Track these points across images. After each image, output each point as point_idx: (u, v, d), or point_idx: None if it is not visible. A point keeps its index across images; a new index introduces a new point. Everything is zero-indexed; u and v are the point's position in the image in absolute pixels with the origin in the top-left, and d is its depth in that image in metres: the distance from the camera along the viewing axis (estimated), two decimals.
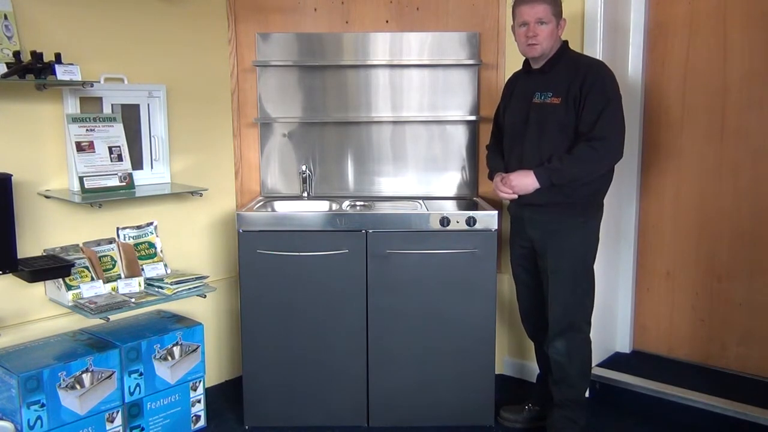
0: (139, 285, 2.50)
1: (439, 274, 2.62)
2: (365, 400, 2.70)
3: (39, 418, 2.17)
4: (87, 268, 2.45)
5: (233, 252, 3.03)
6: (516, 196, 2.42)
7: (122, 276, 2.56)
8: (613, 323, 3.17)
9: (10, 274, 2.23)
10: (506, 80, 2.71)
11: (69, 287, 2.35)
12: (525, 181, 2.36)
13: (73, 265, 2.34)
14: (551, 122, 2.36)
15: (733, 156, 2.85)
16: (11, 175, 2.18)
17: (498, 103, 2.70)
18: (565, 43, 2.44)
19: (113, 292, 2.43)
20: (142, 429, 2.49)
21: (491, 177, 2.59)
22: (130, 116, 2.64)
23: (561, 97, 2.34)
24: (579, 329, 2.46)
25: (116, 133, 2.52)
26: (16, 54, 2.19)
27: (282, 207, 3.01)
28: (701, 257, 2.98)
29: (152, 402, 2.51)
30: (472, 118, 3.06)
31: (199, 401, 2.68)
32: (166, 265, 2.65)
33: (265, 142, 3.12)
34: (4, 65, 2.11)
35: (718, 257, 2.93)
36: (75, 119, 2.41)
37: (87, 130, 2.43)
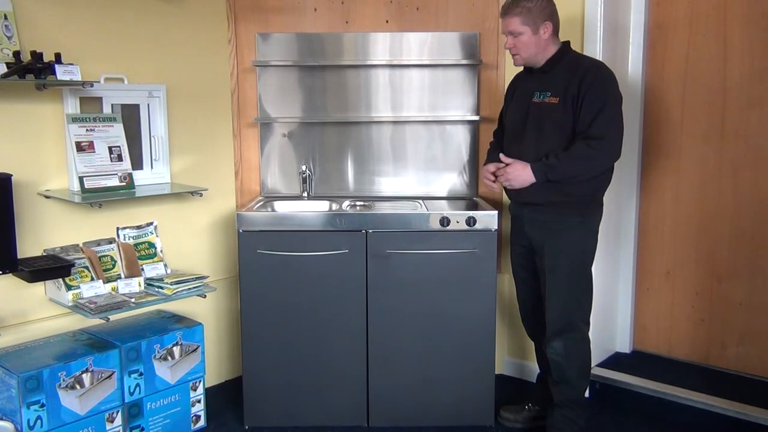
0: (139, 285, 2.50)
1: (439, 274, 2.62)
2: (365, 400, 2.70)
3: (39, 418, 2.17)
4: (87, 268, 2.45)
5: (233, 252, 3.03)
6: (496, 187, 2.44)
7: (122, 276, 2.56)
8: (613, 323, 3.17)
9: (10, 274, 2.23)
10: (509, 79, 2.71)
11: (69, 287, 2.35)
12: (522, 175, 2.37)
13: (73, 265, 2.34)
14: (549, 122, 2.36)
15: (733, 156, 2.85)
16: (11, 175, 2.18)
17: (502, 102, 2.71)
18: (566, 43, 2.44)
19: (113, 292, 2.43)
20: (142, 429, 2.49)
21: None
22: (130, 116, 2.64)
23: (559, 97, 2.34)
24: (577, 329, 2.46)
25: (116, 133, 2.52)
26: (16, 54, 2.19)
27: (282, 207, 3.01)
28: (701, 257, 2.98)
29: (152, 402, 2.51)
30: (472, 118, 3.06)
31: (199, 401, 2.68)
32: (166, 265, 2.65)
33: (265, 142, 3.12)
34: (4, 65, 2.11)
35: (718, 257, 2.93)
36: (75, 119, 2.41)
37: (87, 130, 2.43)
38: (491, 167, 2.49)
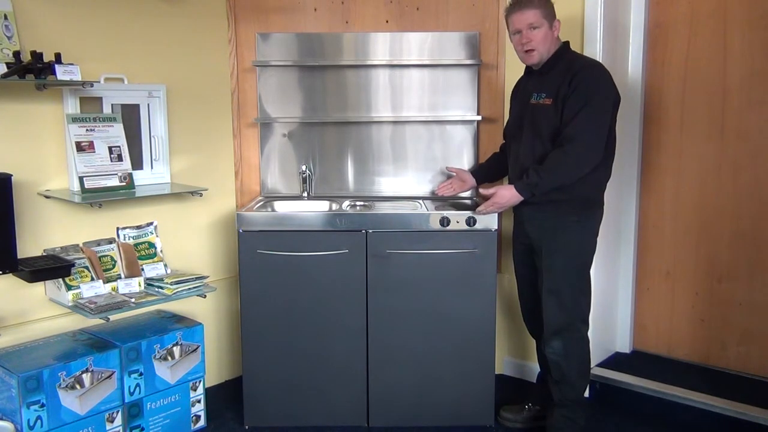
0: (139, 285, 2.50)
1: (439, 274, 2.62)
2: (365, 400, 2.70)
3: (39, 418, 2.17)
4: (87, 268, 2.45)
5: (233, 252, 3.02)
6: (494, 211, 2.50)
7: (122, 276, 2.56)
8: (613, 323, 3.17)
9: (10, 274, 2.23)
10: (509, 79, 2.71)
11: (69, 287, 2.35)
12: (511, 199, 2.42)
13: (73, 265, 2.34)
14: (543, 123, 2.37)
15: (733, 156, 2.85)
16: (11, 175, 2.18)
17: (502, 102, 2.72)
18: (566, 44, 2.44)
19: (113, 292, 2.43)
20: (142, 429, 2.49)
21: None
22: (130, 116, 2.64)
23: (552, 99, 2.35)
24: (575, 329, 2.45)
25: (116, 133, 2.52)
26: (16, 54, 2.19)
27: (282, 207, 3.01)
28: (701, 257, 2.98)
29: (152, 402, 2.51)
30: (472, 118, 3.06)
31: (199, 401, 2.68)
32: (166, 265, 2.65)
33: (265, 142, 3.12)
34: (4, 65, 2.11)
35: (718, 257, 2.93)
36: (75, 119, 2.41)
37: (87, 130, 2.43)
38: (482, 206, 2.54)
